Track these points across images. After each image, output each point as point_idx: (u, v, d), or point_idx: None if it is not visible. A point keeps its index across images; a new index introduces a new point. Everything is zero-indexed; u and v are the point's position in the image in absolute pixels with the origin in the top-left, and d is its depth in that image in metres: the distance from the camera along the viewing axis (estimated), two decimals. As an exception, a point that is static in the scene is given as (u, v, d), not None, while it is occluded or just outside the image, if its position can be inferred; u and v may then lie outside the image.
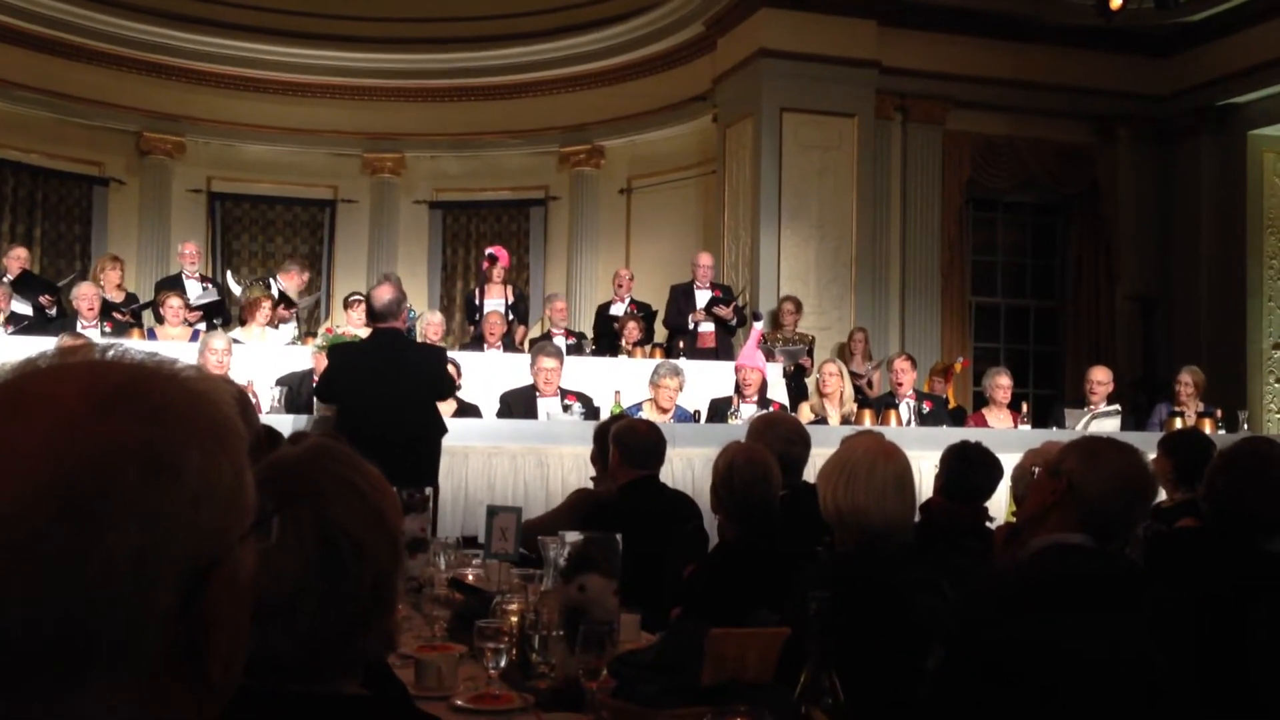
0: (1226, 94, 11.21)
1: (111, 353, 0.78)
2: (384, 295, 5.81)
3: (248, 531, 0.78)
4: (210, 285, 9.34)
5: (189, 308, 8.31)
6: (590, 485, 5.03)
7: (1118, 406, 8.23)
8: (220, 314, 8.77)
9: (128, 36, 12.39)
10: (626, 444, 4.36)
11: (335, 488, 1.36)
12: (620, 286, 10.04)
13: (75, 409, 0.72)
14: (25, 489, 0.69)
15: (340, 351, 6.01)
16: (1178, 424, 7.60)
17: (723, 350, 9.18)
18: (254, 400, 6.66)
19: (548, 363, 7.14)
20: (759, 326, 8.68)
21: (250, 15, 12.89)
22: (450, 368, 6.77)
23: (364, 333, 6.83)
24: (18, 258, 9.15)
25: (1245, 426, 7.99)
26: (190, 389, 0.77)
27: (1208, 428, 7.41)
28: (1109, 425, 7.90)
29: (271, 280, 9.36)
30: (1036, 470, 2.70)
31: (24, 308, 8.49)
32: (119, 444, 0.71)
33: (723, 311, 9.30)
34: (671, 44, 12.14)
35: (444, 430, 5.77)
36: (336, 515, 1.34)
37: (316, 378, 6.47)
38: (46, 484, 0.69)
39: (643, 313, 9.60)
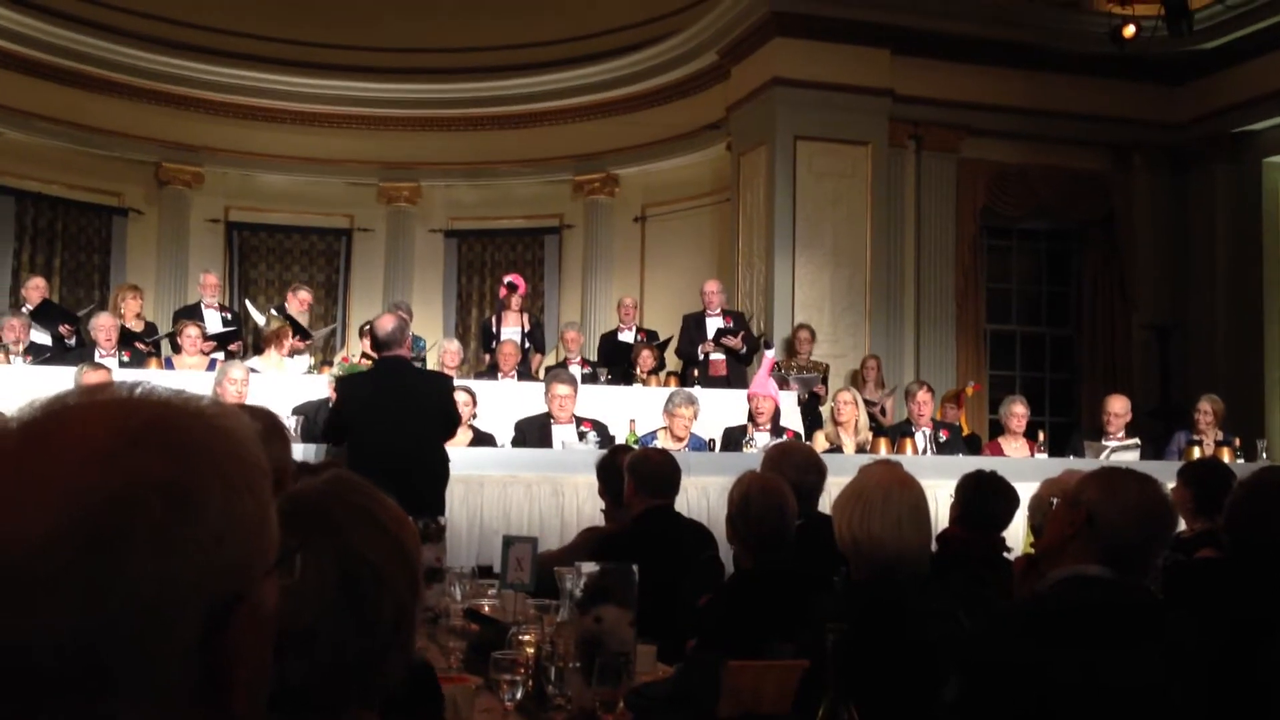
0: (1241, 121, 11.20)
1: (139, 390, 0.79)
2: (386, 325, 5.85)
3: (270, 567, 0.79)
4: (229, 314, 9.39)
5: (205, 338, 8.34)
6: (601, 520, 5.02)
7: (1137, 440, 8.17)
8: (234, 342, 8.79)
9: (147, 68, 12.53)
10: (642, 473, 4.35)
11: (355, 519, 1.37)
12: (626, 314, 10.07)
13: (102, 445, 0.73)
14: (54, 522, 0.70)
15: (347, 384, 6.05)
16: (1196, 453, 7.55)
17: (735, 378, 9.16)
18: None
19: (561, 389, 7.15)
20: (771, 354, 8.66)
21: (267, 47, 13.03)
22: (464, 395, 6.78)
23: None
24: (36, 287, 9.21)
25: (1264, 455, 7.93)
26: (216, 426, 0.78)
27: (1226, 456, 7.36)
28: (1127, 460, 7.85)
29: (284, 308, 9.42)
30: (1055, 501, 2.69)
31: (43, 337, 8.53)
32: (144, 480, 0.72)
33: (731, 341, 9.30)
34: (685, 73, 12.21)
35: (447, 460, 5.79)
36: (357, 546, 1.35)
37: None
38: (73, 518, 0.70)
39: (653, 340, 9.61)
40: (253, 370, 7.62)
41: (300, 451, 6.10)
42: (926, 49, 10.87)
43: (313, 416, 6.89)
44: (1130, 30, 10.25)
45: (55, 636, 0.70)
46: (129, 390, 0.79)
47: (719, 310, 9.55)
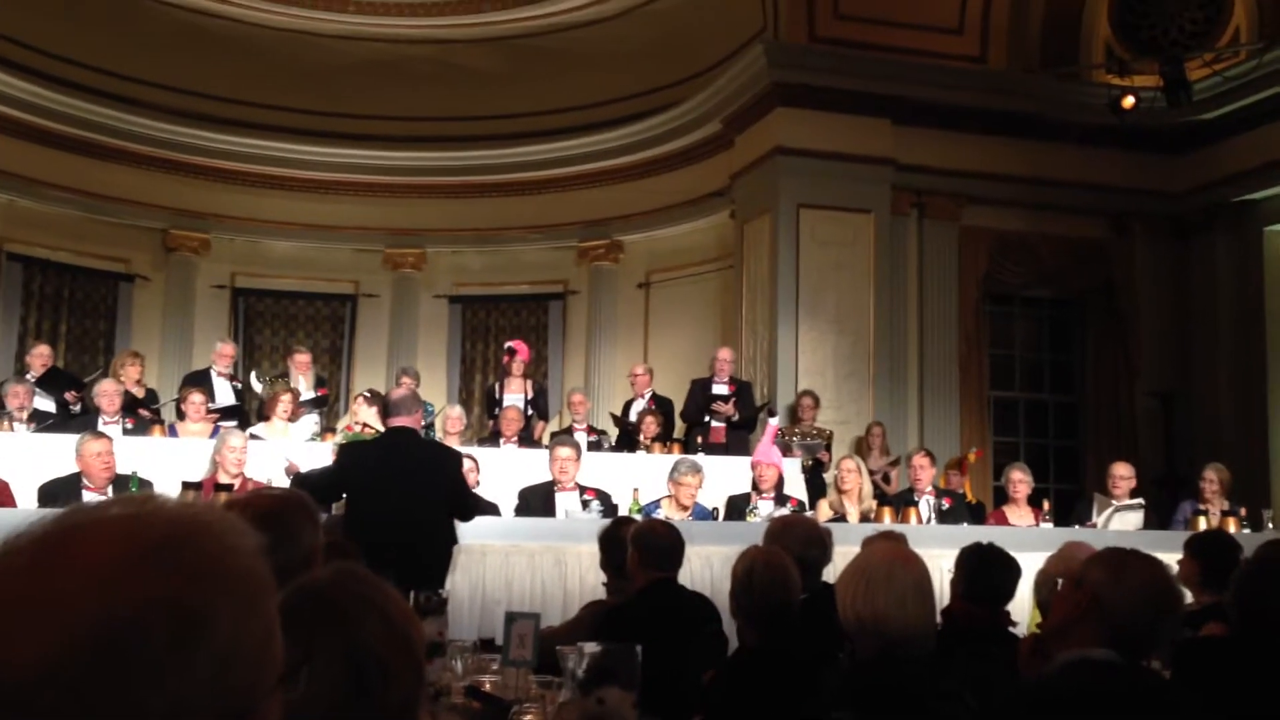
0: (1241, 190, 11.27)
1: (149, 505, 0.79)
2: (397, 392, 5.84)
3: (275, 684, 0.79)
4: (238, 384, 9.39)
5: (209, 410, 8.31)
6: (603, 592, 4.98)
7: (1141, 500, 8.15)
8: (239, 416, 8.77)
9: (155, 136, 12.68)
10: (646, 546, 4.33)
11: (362, 612, 1.37)
12: (637, 383, 10.01)
13: (110, 566, 0.73)
14: (63, 642, 0.70)
15: (351, 451, 5.99)
16: (1202, 523, 7.51)
17: (733, 446, 9.14)
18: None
19: (563, 452, 7.14)
20: (774, 422, 8.64)
21: (275, 115, 13.19)
22: (468, 462, 6.75)
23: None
24: (40, 355, 9.20)
25: (1270, 525, 7.89)
26: (224, 543, 0.79)
27: (1232, 526, 7.32)
28: (1132, 519, 7.83)
29: (288, 375, 9.44)
30: (1060, 581, 2.68)
31: (47, 404, 8.52)
32: (154, 601, 0.73)
33: (722, 408, 9.29)
34: (690, 141, 12.33)
35: (454, 538, 5.72)
36: (363, 639, 1.35)
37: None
38: (82, 639, 0.70)
39: (663, 408, 9.57)
40: (255, 437, 7.61)
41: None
42: (927, 119, 10.98)
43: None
44: (1130, 101, 10.36)
45: None
46: (139, 506, 0.79)
47: (726, 378, 9.55)
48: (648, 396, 9.85)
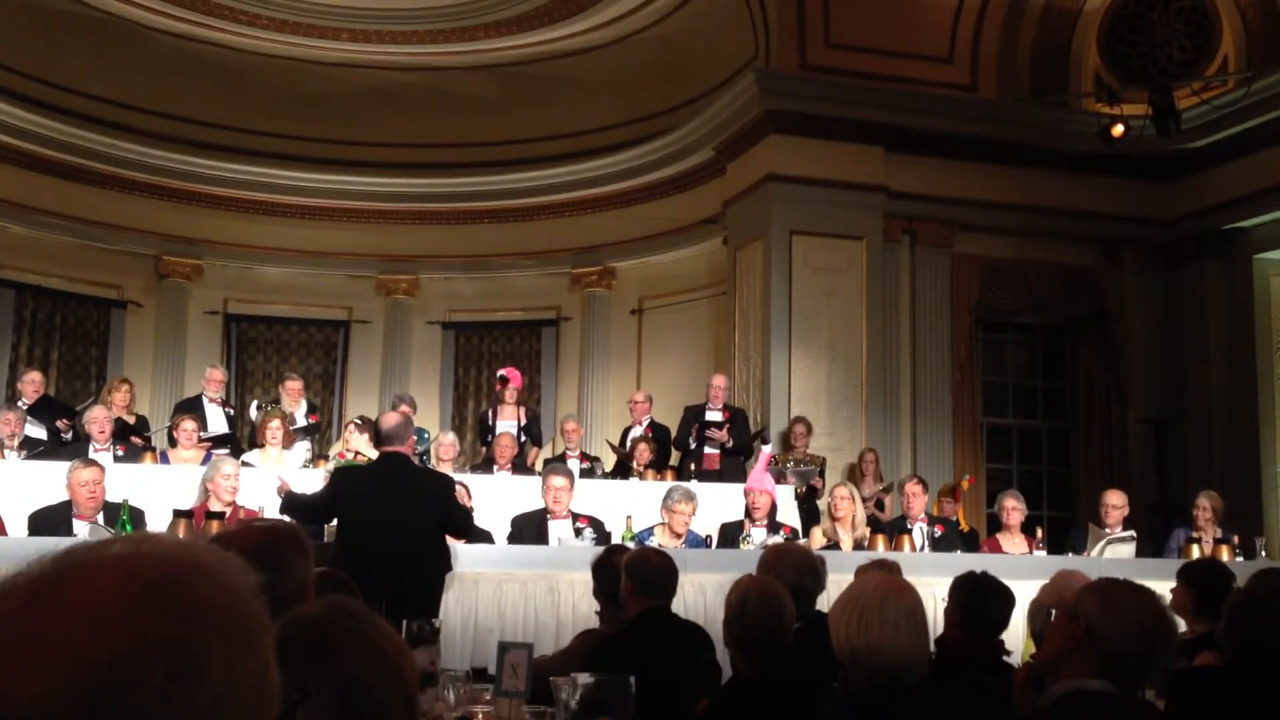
0: (1230, 218, 11.33)
1: (145, 545, 0.79)
2: (390, 419, 5.83)
3: (272, 723, 0.79)
4: (231, 410, 9.36)
5: (201, 438, 8.28)
6: (596, 620, 4.97)
7: (1133, 533, 8.14)
8: (231, 444, 8.74)
9: (148, 163, 12.70)
10: (639, 574, 4.32)
11: (353, 646, 1.37)
12: (636, 410, 9.99)
13: (106, 607, 0.74)
14: (57, 684, 0.70)
15: (344, 476, 6.00)
16: (1195, 551, 7.51)
17: (727, 472, 9.13)
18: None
19: (557, 481, 7.13)
20: (767, 449, 8.64)
21: (268, 142, 13.23)
22: (459, 489, 6.73)
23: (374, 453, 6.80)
24: (32, 382, 9.14)
25: (1263, 553, 7.89)
26: (221, 583, 0.79)
27: (1225, 554, 7.33)
28: (1124, 551, 7.82)
29: (279, 401, 9.43)
30: (1054, 611, 2.68)
31: (38, 431, 8.49)
32: (148, 642, 0.73)
33: (715, 434, 9.28)
34: (682, 168, 12.38)
35: (448, 564, 5.71)
36: (356, 674, 1.34)
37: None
38: (77, 680, 0.70)
39: (659, 436, 9.56)
40: (247, 465, 7.59)
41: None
42: (919, 146, 11.04)
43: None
44: (1119, 129, 10.43)
45: None
46: (135, 546, 0.79)
47: (720, 405, 9.55)
48: (646, 424, 9.84)
